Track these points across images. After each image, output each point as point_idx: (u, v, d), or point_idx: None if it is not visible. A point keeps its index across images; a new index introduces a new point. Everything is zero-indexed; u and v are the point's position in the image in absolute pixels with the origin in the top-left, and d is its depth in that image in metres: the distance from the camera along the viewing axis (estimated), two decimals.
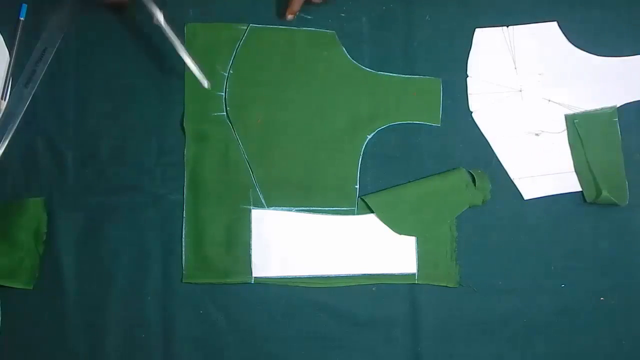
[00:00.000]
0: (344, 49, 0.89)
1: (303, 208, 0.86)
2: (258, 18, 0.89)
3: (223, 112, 0.88)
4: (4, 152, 0.84)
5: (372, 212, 0.87)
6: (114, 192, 0.85)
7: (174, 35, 0.81)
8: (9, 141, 0.84)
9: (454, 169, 0.88)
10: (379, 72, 0.90)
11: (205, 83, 0.84)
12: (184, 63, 0.83)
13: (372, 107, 0.89)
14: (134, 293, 0.83)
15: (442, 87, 0.90)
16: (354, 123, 0.89)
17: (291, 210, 0.86)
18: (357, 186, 0.87)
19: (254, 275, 0.85)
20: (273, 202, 0.86)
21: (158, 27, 0.85)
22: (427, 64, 0.90)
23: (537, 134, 0.90)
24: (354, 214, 0.87)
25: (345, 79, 0.89)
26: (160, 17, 0.80)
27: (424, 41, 0.91)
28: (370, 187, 0.88)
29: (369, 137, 0.88)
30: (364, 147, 0.88)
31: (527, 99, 0.91)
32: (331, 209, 0.87)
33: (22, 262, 0.82)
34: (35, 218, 0.83)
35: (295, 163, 0.87)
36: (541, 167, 0.89)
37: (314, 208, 0.86)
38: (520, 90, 0.91)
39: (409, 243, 0.87)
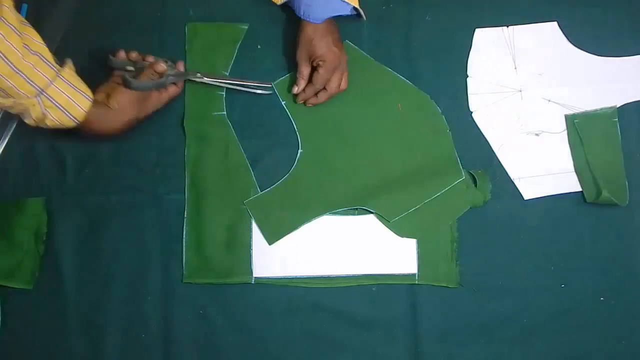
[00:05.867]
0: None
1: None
2: (258, 18, 0.89)
3: (223, 112, 0.87)
4: (4, 152, 0.84)
5: (372, 212, 0.87)
6: (114, 192, 0.85)
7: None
8: (9, 141, 0.84)
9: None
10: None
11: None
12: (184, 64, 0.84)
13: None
14: (134, 293, 0.83)
15: (442, 87, 0.90)
16: None
17: None
18: None
19: (254, 275, 0.84)
20: None
21: (158, 28, 0.85)
22: (427, 64, 0.90)
23: (537, 134, 0.90)
24: (354, 214, 0.87)
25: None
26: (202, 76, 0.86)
27: (424, 41, 0.91)
28: None
29: None
30: None
31: (527, 99, 0.91)
32: None
33: (22, 262, 0.82)
34: (35, 218, 0.83)
35: None
36: (541, 167, 0.89)
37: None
38: (520, 90, 0.91)
39: (409, 243, 0.87)
